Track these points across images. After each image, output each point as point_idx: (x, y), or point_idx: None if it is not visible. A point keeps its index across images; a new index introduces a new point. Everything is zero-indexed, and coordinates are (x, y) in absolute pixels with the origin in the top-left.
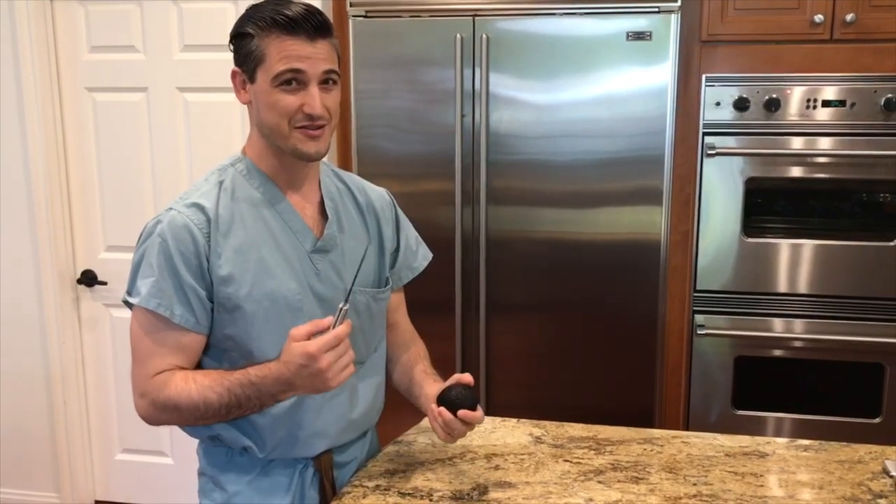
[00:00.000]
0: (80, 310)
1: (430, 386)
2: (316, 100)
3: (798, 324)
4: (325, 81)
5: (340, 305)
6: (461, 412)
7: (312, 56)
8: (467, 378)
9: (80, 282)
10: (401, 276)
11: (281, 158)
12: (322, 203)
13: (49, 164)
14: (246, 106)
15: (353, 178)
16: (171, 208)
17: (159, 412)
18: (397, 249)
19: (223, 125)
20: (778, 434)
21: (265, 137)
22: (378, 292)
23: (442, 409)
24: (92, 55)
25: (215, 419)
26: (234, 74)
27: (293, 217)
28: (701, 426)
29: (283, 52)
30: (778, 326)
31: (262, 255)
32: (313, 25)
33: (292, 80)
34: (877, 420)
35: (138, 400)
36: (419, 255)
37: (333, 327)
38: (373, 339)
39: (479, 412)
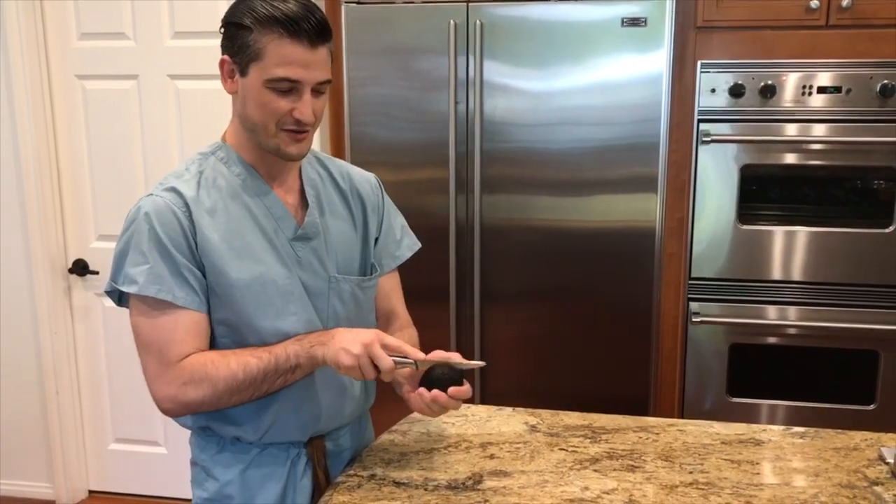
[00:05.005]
0: (72, 299)
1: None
2: (308, 107)
3: (793, 311)
4: (318, 89)
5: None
6: (451, 390)
7: (311, 64)
8: (455, 356)
9: (71, 271)
10: (381, 263)
11: (262, 149)
12: (303, 190)
13: (39, 152)
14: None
15: (336, 164)
16: (151, 194)
17: (191, 392)
18: (379, 236)
19: (215, 113)
20: (772, 421)
21: (247, 131)
22: (363, 280)
23: (436, 392)
24: (82, 42)
25: (248, 392)
26: (222, 63)
27: (275, 204)
28: (695, 413)
29: (282, 57)
30: (773, 314)
31: (248, 240)
32: (315, 28)
33: (287, 85)
34: (871, 407)
35: (163, 390)
36: (403, 245)
37: (416, 367)
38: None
39: (467, 385)
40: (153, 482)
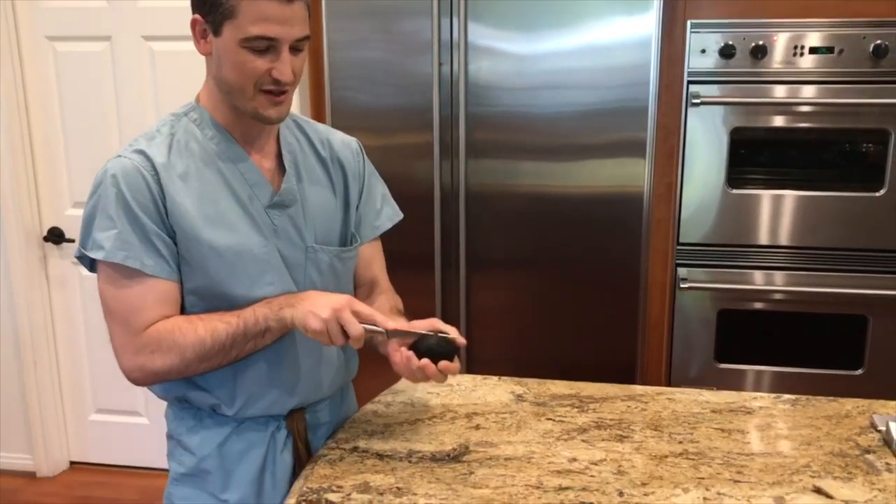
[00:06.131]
0: (48, 268)
1: (395, 322)
2: (287, 66)
3: (782, 276)
4: (296, 46)
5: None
6: (442, 364)
7: (288, 20)
8: (449, 329)
9: (46, 239)
10: (361, 233)
11: (238, 112)
12: (280, 155)
13: (10, 117)
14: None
15: (315, 128)
16: (119, 155)
17: (158, 361)
18: (359, 203)
19: (192, 76)
20: (760, 387)
21: (223, 93)
22: (343, 251)
23: (426, 361)
24: (51, 2)
25: (218, 358)
26: (194, 23)
27: (250, 169)
28: (683, 380)
29: (257, 14)
30: (761, 279)
31: (222, 207)
32: None
33: (264, 44)
34: (859, 372)
35: (130, 359)
36: (383, 214)
37: (387, 336)
38: None
39: (457, 363)
40: (135, 452)
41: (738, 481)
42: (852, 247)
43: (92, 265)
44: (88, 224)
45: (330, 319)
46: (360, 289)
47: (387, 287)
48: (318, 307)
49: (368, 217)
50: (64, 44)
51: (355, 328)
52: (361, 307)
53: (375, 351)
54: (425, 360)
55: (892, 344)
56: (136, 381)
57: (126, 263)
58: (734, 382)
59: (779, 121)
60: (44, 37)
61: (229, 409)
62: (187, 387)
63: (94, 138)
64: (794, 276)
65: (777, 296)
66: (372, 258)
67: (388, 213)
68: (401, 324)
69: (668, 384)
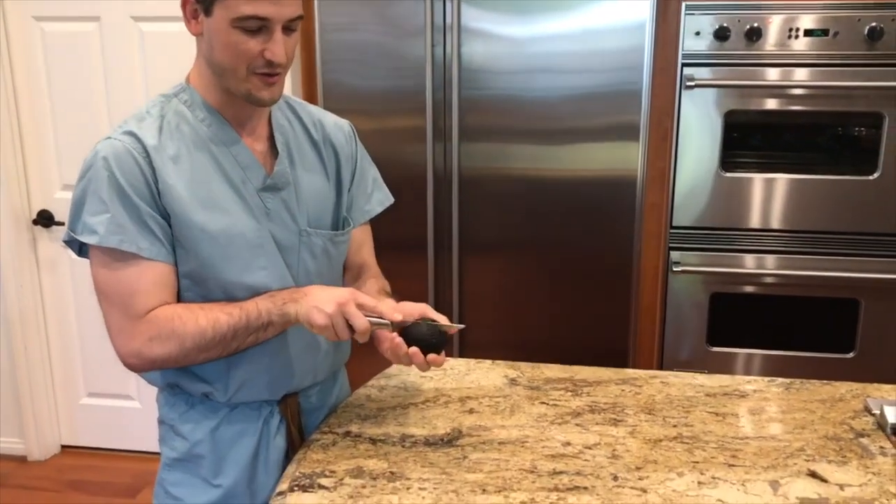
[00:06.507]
0: (38, 251)
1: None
2: (280, 47)
3: (775, 259)
4: (289, 26)
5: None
6: (430, 357)
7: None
8: (439, 317)
9: (36, 223)
10: (351, 217)
11: (229, 93)
12: (273, 138)
13: None
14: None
15: (308, 109)
16: (109, 137)
17: (157, 349)
18: (350, 187)
19: (182, 58)
20: (752, 370)
21: (215, 74)
22: (336, 235)
23: (414, 350)
24: None
25: (217, 349)
26: (184, 3)
27: (242, 152)
28: (675, 363)
29: None
30: (754, 262)
31: (214, 191)
32: None
33: (256, 24)
34: (850, 355)
35: (127, 345)
36: (373, 199)
37: (392, 328)
38: (331, 284)
39: (444, 356)
40: (126, 436)
41: (733, 465)
42: (845, 230)
43: (81, 249)
44: (78, 208)
45: (334, 314)
46: (349, 272)
47: (375, 271)
48: (322, 302)
49: (359, 201)
50: (52, 24)
51: (361, 322)
52: (365, 300)
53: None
54: (414, 349)
55: (883, 327)
56: (133, 368)
57: (122, 248)
58: (726, 366)
59: (773, 103)
60: (31, 17)
61: (222, 396)
62: (179, 374)
63: (83, 120)
64: (787, 259)
65: (769, 279)
66: (362, 242)
67: (379, 198)
68: (405, 308)
69: (661, 367)
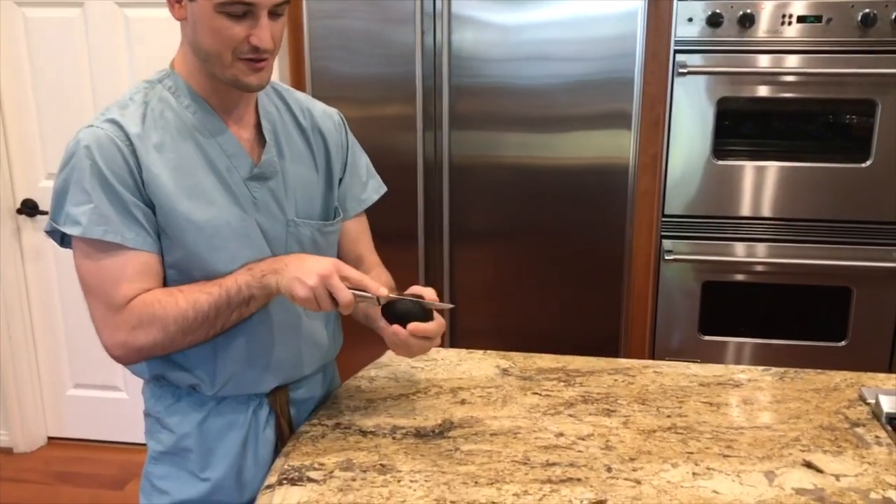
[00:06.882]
0: (22, 241)
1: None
2: (266, 32)
3: (767, 247)
4: (275, 11)
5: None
6: (411, 326)
7: None
8: (428, 292)
9: (20, 212)
10: (346, 207)
11: (215, 80)
12: (260, 125)
13: None
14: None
15: (296, 97)
16: (91, 125)
17: (142, 336)
18: (343, 176)
19: (168, 44)
20: (744, 359)
21: (200, 60)
22: (324, 225)
23: (397, 327)
24: None
25: (202, 330)
26: None
27: (228, 141)
28: (667, 352)
29: None
30: (746, 250)
31: (199, 180)
32: None
33: (241, 9)
34: (842, 343)
35: (112, 336)
36: (369, 187)
37: (378, 303)
38: None
39: (434, 322)
40: (113, 428)
41: (728, 456)
42: (838, 218)
43: (63, 240)
44: (61, 198)
45: (317, 286)
46: None
47: (375, 263)
48: (304, 273)
49: (354, 190)
50: (34, 9)
51: (344, 294)
52: (350, 272)
53: (360, 324)
54: (396, 326)
55: (875, 316)
56: (120, 359)
57: (106, 238)
58: (718, 354)
59: (765, 90)
60: (13, 2)
61: (209, 389)
62: (166, 366)
63: (67, 107)
64: (779, 247)
65: (761, 268)
66: (358, 234)
67: (374, 186)
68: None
69: (652, 356)
